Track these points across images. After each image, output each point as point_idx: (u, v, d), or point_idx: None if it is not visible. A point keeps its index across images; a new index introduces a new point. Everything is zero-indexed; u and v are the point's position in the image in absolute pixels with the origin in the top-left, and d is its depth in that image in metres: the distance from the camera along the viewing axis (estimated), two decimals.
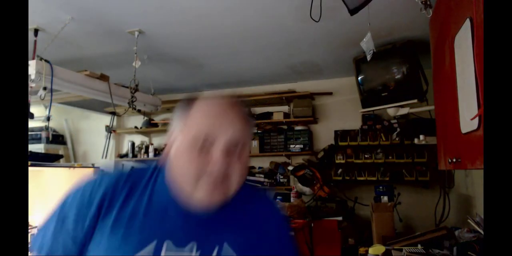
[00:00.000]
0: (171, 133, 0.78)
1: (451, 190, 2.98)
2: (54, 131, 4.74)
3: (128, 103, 2.84)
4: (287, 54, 3.13)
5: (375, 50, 1.89)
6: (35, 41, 2.46)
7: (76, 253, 0.75)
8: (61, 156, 4.06)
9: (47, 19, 2.34)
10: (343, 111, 3.79)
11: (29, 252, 0.76)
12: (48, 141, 4.39)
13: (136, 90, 2.85)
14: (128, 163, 4.38)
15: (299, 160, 3.82)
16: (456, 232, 1.97)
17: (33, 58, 2.24)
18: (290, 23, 2.46)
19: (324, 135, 3.85)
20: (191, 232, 0.74)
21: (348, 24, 2.44)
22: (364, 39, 1.89)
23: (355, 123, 3.65)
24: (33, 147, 4.25)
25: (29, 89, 2.21)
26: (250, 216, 0.82)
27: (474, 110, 1.04)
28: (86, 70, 2.62)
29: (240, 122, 0.75)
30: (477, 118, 1.02)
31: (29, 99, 2.36)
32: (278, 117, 3.89)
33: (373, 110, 3.12)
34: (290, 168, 3.57)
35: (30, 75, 2.16)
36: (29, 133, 4.22)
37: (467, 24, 1.12)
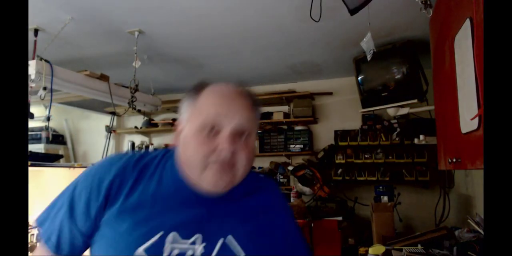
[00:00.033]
0: (180, 121, 0.80)
1: (451, 190, 2.98)
2: (54, 131, 4.73)
3: (128, 103, 2.84)
4: (287, 54, 3.13)
5: (375, 50, 1.89)
6: (35, 41, 2.46)
7: (83, 243, 0.76)
8: (61, 156, 4.06)
9: (47, 19, 2.33)
10: (343, 111, 3.79)
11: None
12: (48, 141, 4.38)
13: (136, 90, 2.84)
14: None
15: (299, 160, 3.82)
16: (456, 232, 1.97)
17: (33, 58, 2.24)
18: (290, 23, 2.46)
19: (324, 135, 3.85)
20: (197, 223, 0.75)
21: (348, 24, 2.44)
22: (364, 39, 1.89)
23: (355, 123, 3.65)
24: (33, 147, 4.25)
25: (29, 89, 2.21)
26: (256, 206, 0.83)
27: (474, 110, 1.04)
28: (86, 70, 2.62)
29: (247, 110, 0.77)
30: (477, 118, 1.02)
31: (29, 99, 2.35)
32: (278, 117, 3.89)
33: (373, 110, 3.12)
34: (290, 168, 3.57)
35: (30, 75, 2.16)
36: (29, 133, 4.21)
37: (467, 24, 1.12)
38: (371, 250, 2.09)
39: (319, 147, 3.81)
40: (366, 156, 3.43)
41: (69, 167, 2.73)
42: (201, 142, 0.73)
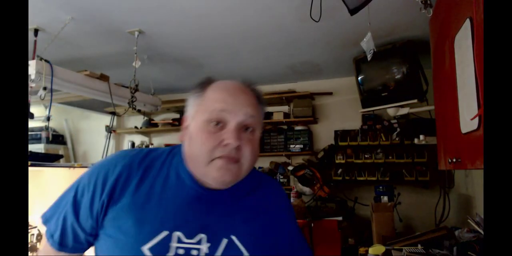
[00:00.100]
0: (186, 117, 0.80)
1: (451, 190, 2.98)
2: (54, 131, 4.73)
3: (128, 103, 2.84)
4: (287, 54, 3.13)
5: (375, 50, 1.89)
6: (35, 41, 2.46)
7: (86, 241, 0.77)
8: (61, 156, 4.05)
9: (47, 19, 2.34)
10: (343, 111, 3.79)
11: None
12: (48, 141, 4.39)
13: (136, 90, 2.84)
14: None
15: (299, 160, 3.82)
16: (456, 232, 1.96)
17: (33, 58, 2.24)
18: (290, 23, 2.46)
19: (324, 135, 3.85)
20: (201, 222, 0.75)
21: (348, 24, 2.44)
22: (365, 39, 1.89)
23: (355, 123, 3.65)
24: (33, 147, 4.25)
25: (29, 89, 2.21)
26: (259, 205, 0.83)
27: (474, 110, 1.04)
28: (86, 70, 2.62)
29: (252, 106, 0.77)
30: (477, 118, 1.02)
31: (29, 99, 2.35)
32: (278, 117, 3.89)
33: (373, 110, 3.12)
34: (290, 168, 3.56)
35: (30, 75, 2.16)
36: (29, 133, 4.22)
37: (467, 24, 1.12)
38: (371, 250, 2.09)
39: (319, 147, 3.81)
40: (366, 156, 3.43)
41: (69, 167, 2.73)
42: (207, 137, 0.73)
